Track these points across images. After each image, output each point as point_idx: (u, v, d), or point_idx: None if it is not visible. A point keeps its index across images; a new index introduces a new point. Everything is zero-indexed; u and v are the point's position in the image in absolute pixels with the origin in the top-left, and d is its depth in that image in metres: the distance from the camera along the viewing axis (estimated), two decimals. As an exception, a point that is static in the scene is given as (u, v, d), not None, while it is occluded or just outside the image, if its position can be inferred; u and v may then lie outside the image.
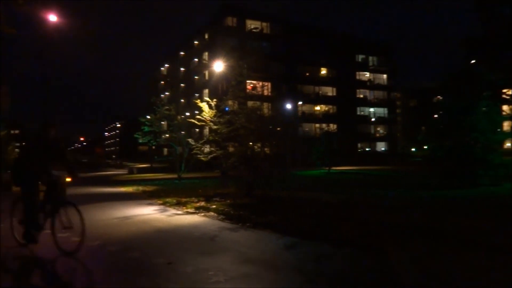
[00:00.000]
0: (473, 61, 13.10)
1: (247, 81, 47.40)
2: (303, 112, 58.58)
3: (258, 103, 27.18)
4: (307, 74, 59.48)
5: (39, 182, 6.53)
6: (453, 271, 5.32)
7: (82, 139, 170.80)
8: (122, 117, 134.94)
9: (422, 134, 26.29)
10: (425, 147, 27.60)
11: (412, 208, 10.77)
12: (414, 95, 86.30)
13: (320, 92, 61.17)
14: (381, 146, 68.09)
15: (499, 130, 18.44)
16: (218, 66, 23.50)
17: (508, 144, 55.82)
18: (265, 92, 53.45)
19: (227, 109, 17.08)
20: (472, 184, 16.30)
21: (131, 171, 45.44)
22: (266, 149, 15.52)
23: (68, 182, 6.74)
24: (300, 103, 56.48)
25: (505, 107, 18.63)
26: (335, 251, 6.58)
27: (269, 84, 54.47)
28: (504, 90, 12.71)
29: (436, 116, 28.71)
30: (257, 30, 55.13)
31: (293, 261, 6.00)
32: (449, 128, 17.94)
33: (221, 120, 16.09)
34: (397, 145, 71.99)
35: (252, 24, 55.49)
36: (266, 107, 46.36)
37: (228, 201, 13.01)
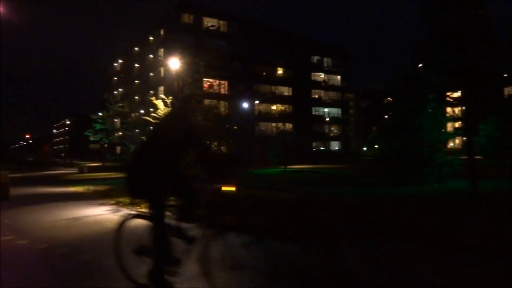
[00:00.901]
0: (420, 65, 13.78)
1: (204, 79, 47.01)
2: (260, 111, 58.97)
3: (215, 101, 27.04)
4: (264, 73, 59.93)
5: None
6: (401, 265, 5.57)
7: (27, 136, 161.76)
8: (72, 113, 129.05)
9: (373, 134, 27.31)
10: (376, 146, 28.72)
11: (364, 206, 11.15)
12: (366, 96, 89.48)
13: (277, 91, 61.84)
14: (335, 145, 69.97)
15: (443, 130, 19.55)
16: (174, 63, 23.10)
17: (451, 144, 59.32)
18: (222, 91, 53.25)
19: (183, 107, 16.84)
20: (419, 182, 17.15)
21: (81, 170, 43.61)
22: (222, 147, 15.47)
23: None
24: (256, 102, 56.82)
25: (448, 109, 19.75)
26: (291, 249, 6.67)
27: (226, 83, 54.33)
28: (448, 93, 13.47)
29: (386, 117, 29.97)
30: (214, 28, 54.79)
31: (250, 260, 6.02)
32: (398, 128, 18.77)
33: (177, 118, 15.82)
34: (350, 145, 74.30)
35: (209, 22, 55.05)
36: (223, 106, 46.26)
37: (184, 200, 12.83)
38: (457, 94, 13.14)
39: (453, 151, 33.03)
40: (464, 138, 30.57)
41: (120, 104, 26.18)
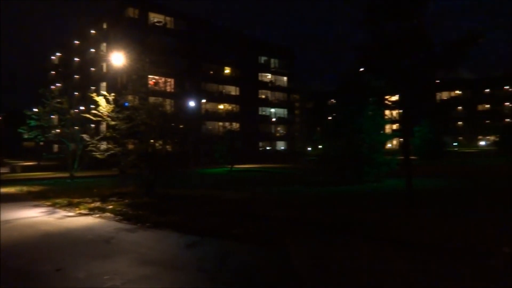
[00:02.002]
0: (361, 69, 14.39)
1: (149, 76, 45.75)
2: (207, 110, 58.50)
3: (160, 99, 26.35)
4: (211, 72, 59.53)
5: None
6: (344, 261, 5.78)
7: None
8: (3, 109, 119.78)
9: (317, 134, 28.10)
10: (320, 146, 29.60)
11: (308, 204, 11.44)
12: (312, 98, 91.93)
13: (224, 91, 61.71)
14: (281, 145, 71.18)
15: (382, 132, 20.60)
16: (118, 58, 22.23)
17: (389, 145, 62.63)
18: (168, 89, 52.10)
19: (126, 104, 16.21)
20: (359, 181, 17.92)
21: (13, 170, 40.67)
22: (168, 146, 15.15)
23: None
24: (203, 101, 56.30)
25: (387, 112, 20.83)
26: (237, 248, 6.69)
27: (173, 81, 53.27)
28: (387, 97, 14.21)
29: (330, 118, 30.96)
30: (161, 24, 53.50)
31: (195, 260, 5.96)
32: (340, 129, 19.49)
33: (120, 115, 15.22)
34: (295, 144, 75.94)
35: (155, 18, 53.63)
36: (168, 104, 45.27)
37: (127, 200, 12.42)
38: (395, 97, 13.87)
39: (391, 151, 34.88)
40: (401, 139, 32.31)
41: (58, 100, 24.69)
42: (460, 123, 77.95)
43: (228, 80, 62.94)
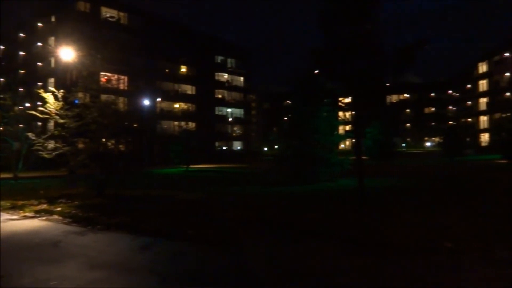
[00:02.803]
0: (316, 71, 14.73)
1: (101, 73, 44.12)
2: (162, 109, 57.36)
3: (113, 97, 25.51)
4: (167, 70, 58.46)
5: None
6: (300, 261, 5.88)
7: None
8: None
9: (274, 134, 28.43)
10: (276, 146, 29.94)
11: (264, 204, 11.52)
12: (268, 98, 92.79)
13: (180, 89, 60.81)
14: (238, 145, 71.29)
15: (336, 133, 21.17)
16: (67, 53, 21.25)
17: (342, 145, 64.54)
18: (122, 86, 50.54)
19: (76, 101, 15.53)
20: (313, 180, 18.31)
21: None
22: (121, 146, 14.69)
23: None
24: (158, 99, 55.16)
25: (340, 113, 21.44)
26: (191, 249, 6.61)
27: (126, 78, 51.75)
28: (340, 99, 14.64)
29: (286, 118, 31.36)
30: (114, 19, 51.80)
31: (147, 262, 5.82)
32: (296, 130, 19.82)
33: (69, 113, 14.54)
34: (252, 144, 76.33)
35: (108, 12, 51.85)
36: (122, 102, 43.88)
37: (76, 202, 11.91)
38: (348, 99, 14.31)
39: (344, 152, 35.92)
40: (353, 140, 33.38)
41: (1, 96, 23.20)
42: (408, 125, 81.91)
43: (184, 79, 62.10)
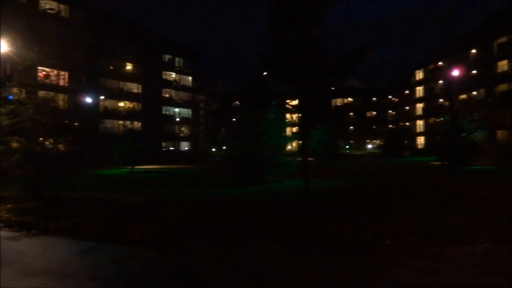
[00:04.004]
0: (265, 73, 14.90)
1: (39, 68, 41.58)
2: (106, 108, 55.09)
3: (52, 93, 24.00)
4: (111, 67, 56.30)
5: None
6: (247, 261, 5.90)
7: None
8: None
9: (222, 135, 28.36)
10: (224, 147, 29.88)
11: (212, 205, 11.45)
12: (217, 99, 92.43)
13: (125, 88, 58.78)
14: (185, 146, 70.25)
15: (283, 134, 21.54)
16: (0, 45, 19.76)
17: (289, 147, 65.81)
18: (62, 82, 47.87)
19: (10, 97, 14.48)
20: (261, 181, 18.49)
21: None
22: (60, 145, 13.92)
23: None
24: (102, 97, 52.95)
25: (288, 115, 21.85)
26: (135, 253, 6.41)
27: (67, 74, 49.11)
28: (288, 101, 14.92)
29: (234, 119, 31.39)
30: (53, 11, 48.99)
31: (87, 267, 5.56)
32: (244, 131, 19.92)
33: (3, 110, 13.53)
34: (199, 145, 75.57)
35: (47, 4, 48.95)
36: (62, 99, 41.65)
37: (9, 205, 11.11)
38: (296, 102, 14.61)
39: (291, 153, 36.64)
40: (300, 141, 34.11)
41: None
42: (351, 128, 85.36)
43: (130, 77, 60.16)
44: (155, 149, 52.72)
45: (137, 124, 49.86)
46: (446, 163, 24.32)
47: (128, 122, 49.98)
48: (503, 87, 48.38)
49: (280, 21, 11.56)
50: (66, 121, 14.58)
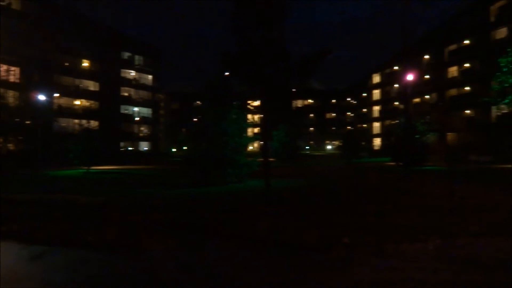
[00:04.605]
0: (227, 74, 14.90)
1: (-13, 62, 39.23)
2: (60, 106, 52.87)
3: (1, 90, 22.77)
4: (67, 64, 54.11)
5: None
6: (207, 263, 5.86)
7: None
8: None
9: (182, 135, 27.98)
10: (185, 147, 29.52)
11: (171, 206, 11.27)
12: (178, 98, 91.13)
13: (81, 85, 56.66)
14: (144, 146, 68.75)
15: (244, 135, 21.59)
16: None
17: (250, 147, 66.04)
18: (12, 79, 45.40)
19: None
20: (222, 182, 18.44)
21: None
22: (10, 144, 13.22)
23: None
24: (56, 95, 50.76)
25: (249, 116, 21.92)
26: (91, 256, 6.20)
27: (18, 70, 46.65)
28: (249, 102, 15.00)
29: (195, 119, 31.07)
30: (4, 3, 46.41)
31: (40, 273, 5.32)
32: (205, 131, 19.78)
33: None
34: (159, 145, 74.18)
35: (-4, -5, 46.34)
36: (12, 96, 39.53)
37: (-48, 208, 10.40)
38: (257, 103, 14.71)
39: (252, 153, 36.77)
40: (261, 142, 34.30)
41: None
42: (311, 128, 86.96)
43: (87, 74, 58.13)
44: (113, 149, 51.24)
45: (94, 123, 48.19)
46: (401, 163, 25.37)
47: (84, 121, 48.17)
48: (453, 91, 51.14)
49: (243, 22, 11.60)
50: (17, 119, 13.85)
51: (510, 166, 29.02)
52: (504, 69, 22.55)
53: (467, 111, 48.13)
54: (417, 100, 56.74)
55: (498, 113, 38.88)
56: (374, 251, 6.14)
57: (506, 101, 22.91)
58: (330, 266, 5.55)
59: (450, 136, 50.64)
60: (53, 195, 13.79)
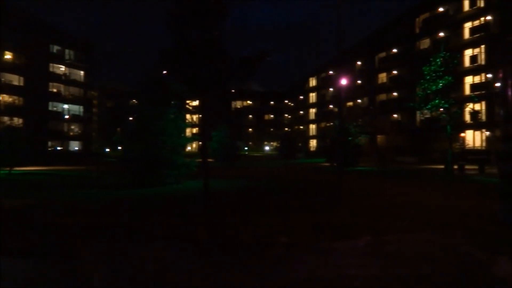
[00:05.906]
0: (164, 72, 14.53)
1: None
2: (-22, 101, 48.44)
3: None
4: (-14, 55, 49.71)
5: None
6: (144, 267, 5.66)
7: None
8: None
9: (117, 135, 26.85)
10: (120, 147, 28.39)
11: (103, 208, 10.76)
12: (112, 96, 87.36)
13: (3, 79, 52.31)
14: (75, 145, 65.04)
15: (183, 135, 21.22)
16: None
17: (189, 148, 65.13)
18: None
19: None
20: (159, 183, 17.95)
21: None
22: None
23: None
24: (-26, 89, 46.38)
25: (188, 116, 21.60)
26: (19, 264, 5.72)
27: None
28: (188, 101, 14.78)
29: (131, 118, 29.98)
30: None
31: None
32: (142, 131, 19.13)
33: None
34: (92, 145, 70.58)
35: None
36: None
37: None
38: (196, 103, 14.53)
39: (191, 154, 36.28)
40: (200, 142, 33.97)
41: None
42: (250, 130, 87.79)
43: (10, 67, 53.79)
44: (39, 149, 47.83)
45: (17, 121, 44.68)
46: (335, 164, 26.46)
47: (6, 118, 44.44)
48: (382, 96, 54.46)
49: (181, 20, 11.39)
50: None
51: (431, 166, 31.55)
52: (427, 77, 24.40)
53: (395, 115, 51.45)
54: (350, 103, 59.66)
55: (422, 118, 41.98)
56: (310, 249, 6.34)
57: (429, 106, 24.78)
58: (267, 265, 5.62)
59: (380, 138, 53.86)
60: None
